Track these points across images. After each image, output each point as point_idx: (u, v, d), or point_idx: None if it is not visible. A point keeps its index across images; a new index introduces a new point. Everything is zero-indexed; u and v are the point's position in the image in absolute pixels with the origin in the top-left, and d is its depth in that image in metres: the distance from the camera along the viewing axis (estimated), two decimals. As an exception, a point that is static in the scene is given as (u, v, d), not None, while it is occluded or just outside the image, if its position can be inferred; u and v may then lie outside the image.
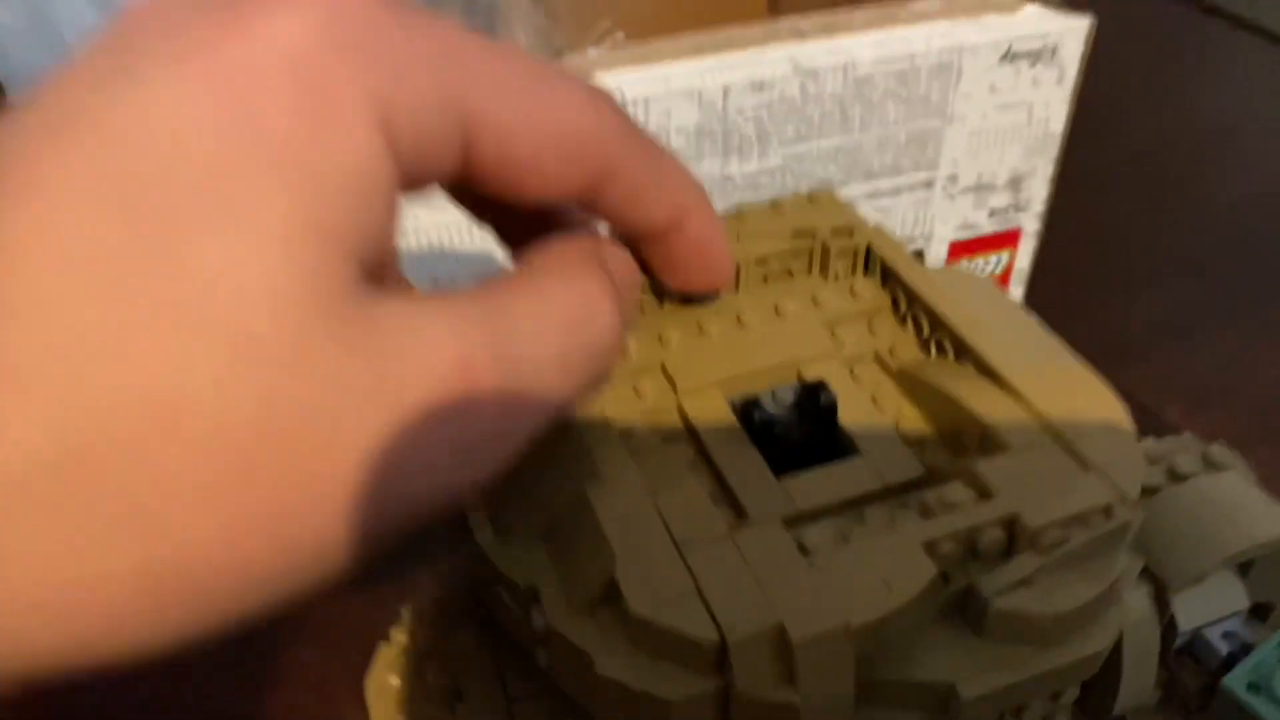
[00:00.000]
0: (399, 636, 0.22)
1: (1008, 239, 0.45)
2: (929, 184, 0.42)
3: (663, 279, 0.20)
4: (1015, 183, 0.43)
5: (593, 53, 0.47)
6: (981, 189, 0.43)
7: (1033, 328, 0.22)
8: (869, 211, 0.41)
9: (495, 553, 0.18)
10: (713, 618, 0.16)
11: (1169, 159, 0.61)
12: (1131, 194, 0.58)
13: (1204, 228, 0.56)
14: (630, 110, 0.36)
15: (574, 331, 0.17)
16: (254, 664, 0.34)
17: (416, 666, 0.21)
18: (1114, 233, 0.55)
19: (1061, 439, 0.19)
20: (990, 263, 0.45)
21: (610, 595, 0.17)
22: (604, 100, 0.17)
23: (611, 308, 0.17)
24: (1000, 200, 0.43)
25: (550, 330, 0.16)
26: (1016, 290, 0.47)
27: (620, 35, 0.55)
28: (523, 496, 0.19)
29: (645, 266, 0.20)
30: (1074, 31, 0.40)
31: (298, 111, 0.13)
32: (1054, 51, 0.40)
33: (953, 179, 0.42)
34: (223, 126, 0.13)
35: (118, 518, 0.12)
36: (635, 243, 0.20)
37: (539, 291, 0.17)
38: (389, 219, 0.15)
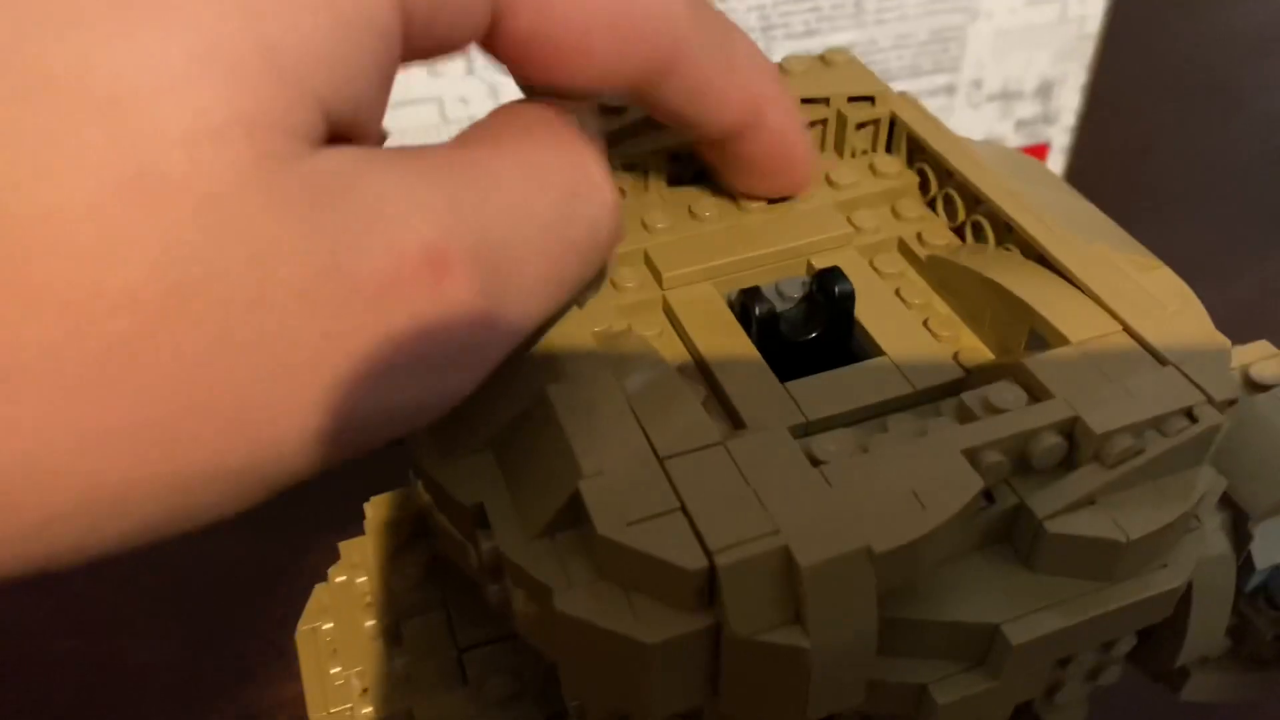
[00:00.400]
0: (336, 576, 0.18)
1: (1035, 154, 0.41)
2: (950, 89, 0.38)
3: (733, 182, 0.18)
4: (1045, 90, 0.39)
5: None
6: (1008, 97, 0.39)
7: (1091, 211, 0.19)
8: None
9: (435, 466, 0.15)
10: (699, 539, 0.13)
11: (1206, 69, 0.57)
12: (1166, 106, 0.54)
13: (1243, 142, 0.52)
14: None
15: (567, 207, 0.13)
16: (201, 617, 0.31)
17: (353, 609, 0.18)
18: (1147, 151, 0.51)
19: (1131, 330, 0.15)
20: (1016, 180, 0.41)
21: (573, 515, 0.13)
22: None
23: (607, 180, 0.14)
24: (1028, 110, 0.39)
25: (540, 205, 0.13)
26: (1044, 212, 0.43)
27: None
28: (471, 398, 0.15)
29: (710, 168, 0.17)
30: (1116, -82, 0.36)
31: None
32: (1093, -60, 0.36)
33: (977, 84, 0.38)
34: None
35: None
36: (703, 144, 0.17)
37: (523, 156, 0.13)
38: (377, 71, 0.12)
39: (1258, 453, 0.17)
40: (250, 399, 0.10)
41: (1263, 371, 0.18)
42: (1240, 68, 0.57)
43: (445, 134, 0.34)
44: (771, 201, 0.19)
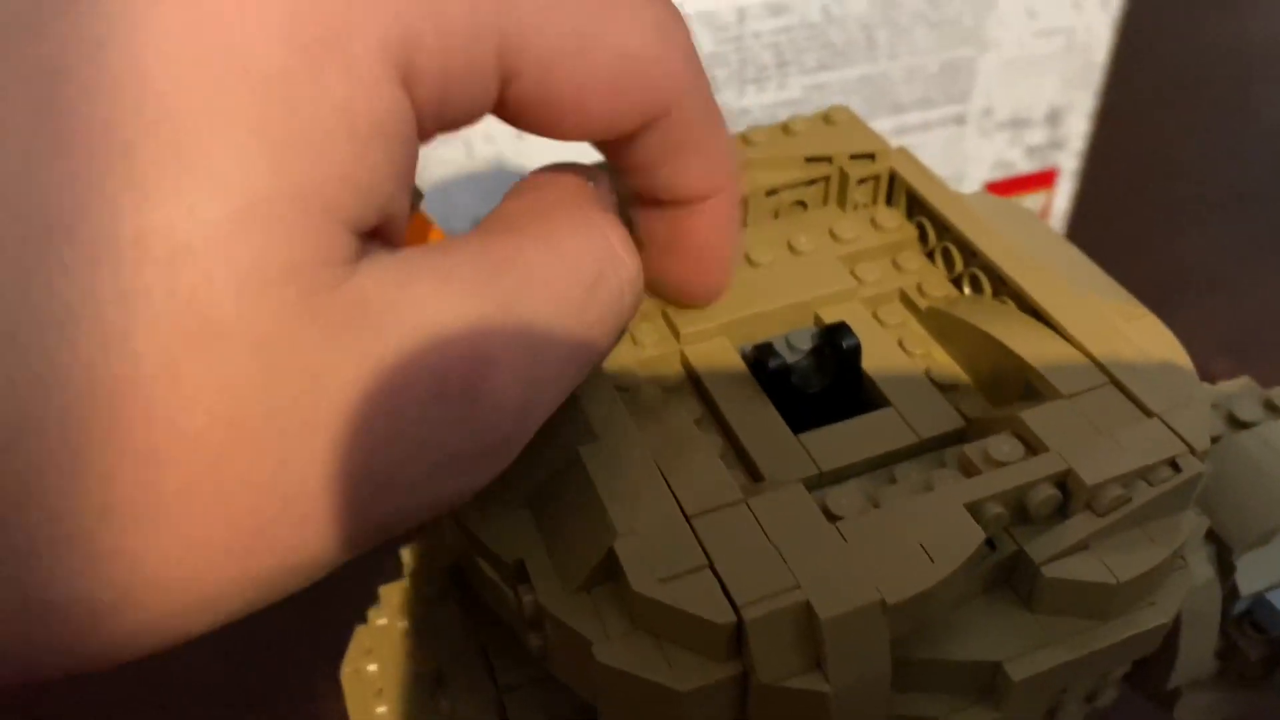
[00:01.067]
0: (377, 619, 0.20)
1: (1045, 179, 0.42)
2: (960, 119, 0.39)
3: (660, 269, 0.17)
4: (1054, 117, 0.40)
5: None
6: (1018, 124, 0.40)
7: (1080, 260, 0.20)
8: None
9: (477, 524, 0.16)
10: (727, 595, 0.14)
11: (1215, 84, 0.57)
12: (1175, 122, 0.55)
13: (1253, 157, 0.53)
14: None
15: (596, 287, 0.14)
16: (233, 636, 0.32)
17: (395, 651, 0.19)
18: (1158, 165, 0.52)
19: (1118, 383, 0.17)
20: (1026, 204, 0.42)
21: (608, 571, 0.15)
22: (676, 25, 0.15)
23: (630, 252, 0.15)
24: (1037, 137, 0.40)
25: (571, 291, 0.14)
26: (1053, 231, 0.44)
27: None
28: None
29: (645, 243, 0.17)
30: (1117, -52, 0.37)
31: (292, 43, 0.11)
32: (1095, -29, 0.37)
33: (987, 113, 0.39)
34: (195, 55, 0.11)
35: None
36: (647, 207, 0.17)
37: (552, 243, 0.14)
38: (398, 176, 0.12)
39: (1240, 489, 0.18)
40: (311, 509, 0.11)
41: (1243, 412, 0.19)
42: (1251, 80, 0.58)
43: (471, 169, 0.35)
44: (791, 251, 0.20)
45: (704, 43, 0.34)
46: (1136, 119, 0.52)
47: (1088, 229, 0.44)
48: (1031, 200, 0.42)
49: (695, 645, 0.14)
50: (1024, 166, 0.41)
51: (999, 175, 0.41)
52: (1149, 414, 0.16)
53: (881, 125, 0.38)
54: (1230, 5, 0.64)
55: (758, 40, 0.34)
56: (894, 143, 0.38)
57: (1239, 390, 0.22)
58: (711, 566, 0.14)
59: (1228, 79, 0.58)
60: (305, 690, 0.31)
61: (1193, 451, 0.16)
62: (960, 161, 0.40)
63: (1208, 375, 0.40)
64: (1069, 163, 0.42)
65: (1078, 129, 0.41)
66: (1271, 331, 0.43)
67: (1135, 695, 0.20)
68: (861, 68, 0.36)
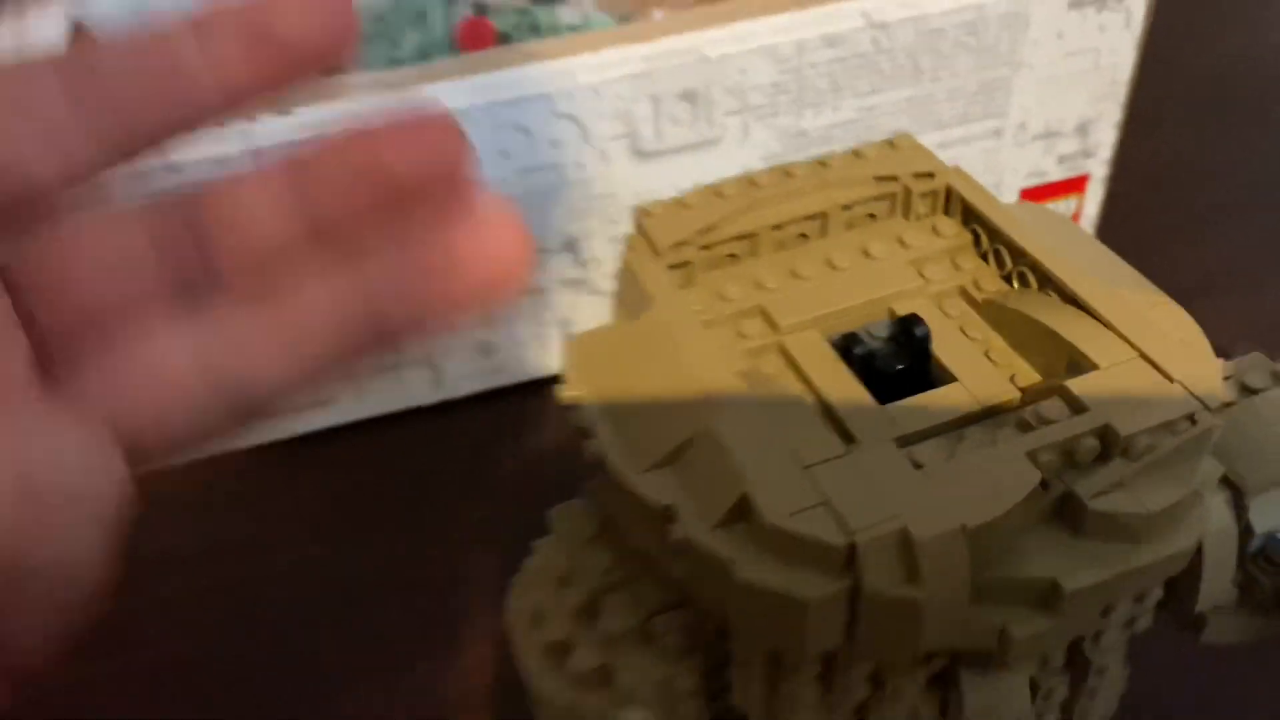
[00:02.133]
0: (533, 563, 0.24)
1: (1076, 185, 0.46)
2: (998, 133, 0.43)
3: None
4: (1083, 129, 0.44)
5: (663, 15, 0.49)
6: (1050, 136, 0.44)
7: (1110, 257, 0.24)
8: (942, 160, 0.43)
9: (631, 479, 0.20)
10: (842, 524, 0.18)
11: (1237, 90, 0.61)
12: (1199, 128, 0.58)
13: (1271, 162, 0.56)
14: (707, 69, 0.37)
15: None
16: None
17: (549, 589, 0.23)
18: (1181, 170, 0.55)
19: (1145, 356, 0.20)
20: (1059, 209, 0.46)
21: (741, 513, 0.19)
22: None
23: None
24: (1068, 147, 0.44)
25: None
26: (1085, 233, 0.48)
27: None
28: (645, 433, 0.21)
29: None
30: (1138, -24, 0.41)
31: None
32: (1118, -4, 0.41)
33: (1022, 127, 0.43)
34: None
35: None
36: None
37: None
38: None
39: (1252, 445, 0.22)
40: None
41: (1254, 381, 0.23)
42: (1269, 88, 0.61)
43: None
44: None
45: (767, 73, 0.38)
46: (1159, 129, 0.56)
47: (1116, 230, 0.47)
48: (1064, 205, 0.46)
49: (817, 564, 0.18)
50: (1056, 174, 0.45)
51: (1033, 182, 0.45)
52: (1170, 380, 0.20)
53: (926, 140, 0.42)
54: (1248, 20, 0.67)
55: (814, 70, 0.38)
56: (938, 154, 0.42)
57: (1251, 364, 0.25)
58: (828, 503, 0.18)
59: (1249, 89, 0.61)
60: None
61: (1206, 409, 0.19)
62: (999, 171, 0.44)
63: (1227, 358, 0.43)
64: (1098, 170, 0.45)
65: (1105, 139, 0.45)
66: (1290, 320, 0.46)
67: (1168, 628, 0.24)
68: (908, 90, 0.40)
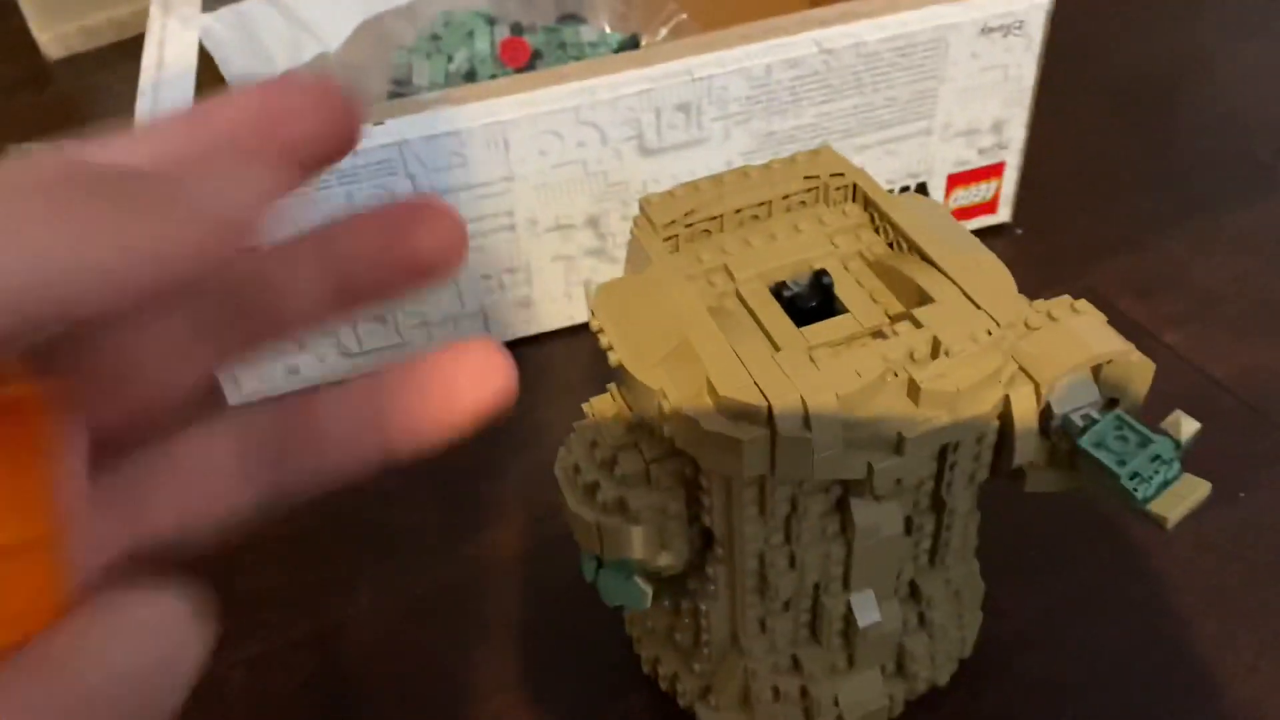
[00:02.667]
0: (573, 436, 0.36)
1: (994, 171, 0.57)
2: (928, 131, 0.54)
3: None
4: (997, 127, 0.55)
5: (665, 32, 0.61)
6: (971, 133, 0.55)
7: (959, 230, 0.35)
8: (881, 155, 0.54)
9: (638, 374, 0.32)
10: (764, 395, 0.29)
11: (1148, 90, 0.72)
12: (1112, 120, 0.69)
13: (1172, 147, 0.67)
14: (696, 86, 0.49)
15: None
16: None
17: (587, 449, 0.35)
18: (1093, 155, 0.66)
19: (966, 294, 0.32)
20: (981, 190, 0.57)
21: (706, 390, 0.30)
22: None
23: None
24: (986, 141, 0.56)
25: None
26: (1005, 210, 0.59)
27: (684, 16, 0.68)
28: (646, 346, 0.32)
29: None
30: (1038, 8, 0.52)
31: None
32: (1022, 24, 0.52)
33: (947, 126, 0.54)
34: None
35: None
36: None
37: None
38: None
39: (1049, 353, 0.34)
40: None
41: (1056, 312, 0.34)
42: (1176, 86, 0.72)
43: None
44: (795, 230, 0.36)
45: (742, 89, 0.49)
46: (1061, 124, 0.67)
47: (1029, 205, 0.59)
48: (986, 186, 0.57)
49: (749, 420, 0.30)
50: (978, 163, 0.56)
51: (959, 169, 0.56)
52: (979, 308, 0.31)
53: (871, 138, 0.53)
54: (1148, 28, 0.78)
55: (779, 85, 0.50)
56: (880, 149, 0.54)
57: (1058, 301, 0.36)
58: (756, 384, 0.30)
59: (1146, 87, 0.72)
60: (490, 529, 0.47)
61: (998, 325, 0.31)
62: (930, 161, 0.55)
63: (1116, 310, 0.55)
64: (1012, 159, 0.57)
65: (1017, 134, 0.56)
66: (1168, 279, 0.57)
67: (998, 484, 0.35)
68: (854, 100, 0.51)
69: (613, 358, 0.33)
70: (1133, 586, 0.44)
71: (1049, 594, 0.44)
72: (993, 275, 0.33)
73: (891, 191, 0.55)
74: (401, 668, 0.43)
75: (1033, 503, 0.38)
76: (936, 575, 0.38)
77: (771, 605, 0.36)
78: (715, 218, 0.36)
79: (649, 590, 0.36)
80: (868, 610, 0.36)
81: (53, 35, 0.88)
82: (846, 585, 0.36)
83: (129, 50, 0.89)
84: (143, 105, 0.50)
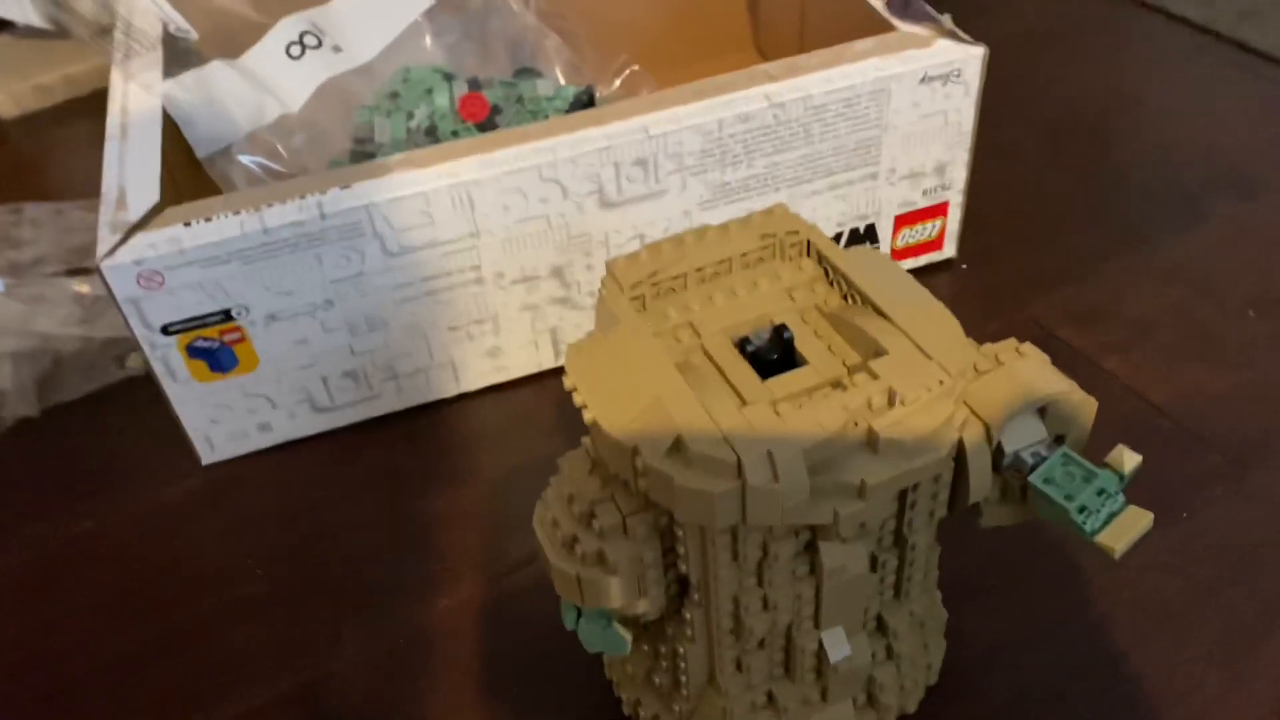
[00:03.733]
0: (550, 490, 0.37)
1: (939, 210, 0.60)
2: (874, 176, 0.56)
3: None
4: (940, 169, 0.58)
5: (619, 83, 0.63)
6: (915, 176, 0.57)
7: (909, 282, 0.37)
8: (830, 199, 0.56)
9: (611, 432, 0.33)
10: (734, 450, 0.31)
11: (1081, 127, 0.75)
12: (1048, 158, 0.72)
13: (1105, 181, 0.70)
14: (652, 142, 0.51)
15: None
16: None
17: (565, 504, 0.36)
18: (1031, 193, 0.69)
19: (917, 345, 0.34)
20: (927, 229, 0.60)
21: (677, 447, 0.32)
22: None
23: None
24: (930, 183, 0.58)
25: None
26: (950, 246, 0.62)
27: (636, 67, 0.70)
28: (615, 402, 0.34)
29: None
30: (974, 57, 0.55)
31: None
32: (959, 73, 0.55)
33: (892, 170, 0.57)
34: None
35: None
36: None
37: None
38: None
39: (993, 394, 0.36)
40: None
41: (1003, 356, 0.36)
42: (1107, 124, 0.75)
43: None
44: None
45: (696, 143, 0.51)
46: (1001, 163, 0.70)
47: (972, 241, 0.61)
48: (932, 225, 0.60)
49: (720, 474, 0.31)
50: (923, 203, 0.59)
51: (905, 210, 0.59)
52: (930, 359, 0.33)
53: (820, 184, 0.55)
54: (1093, 66, 0.82)
55: (732, 138, 0.52)
56: (830, 195, 0.56)
57: (1005, 345, 0.38)
58: (726, 439, 0.32)
59: (1084, 126, 0.75)
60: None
61: (949, 375, 0.33)
62: (878, 203, 0.58)
63: (1057, 338, 0.57)
64: (955, 198, 0.59)
65: (959, 175, 0.58)
66: (1105, 308, 0.60)
67: (958, 521, 0.37)
68: (802, 150, 0.54)
69: (587, 416, 0.34)
70: (1087, 607, 0.46)
71: (1008, 617, 0.46)
72: (941, 325, 0.35)
73: (841, 234, 0.57)
74: (388, 717, 0.44)
75: (989, 530, 0.40)
76: (901, 608, 0.40)
77: (747, 645, 0.37)
78: (678, 276, 0.38)
79: (629, 636, 0.38)
80: (838, 646, 0.38)
81: (6, 94, 0.88)
82: (817, 623, 0.37)
83: (83, 108, 0.90)
84: (109, 174, 0.51)
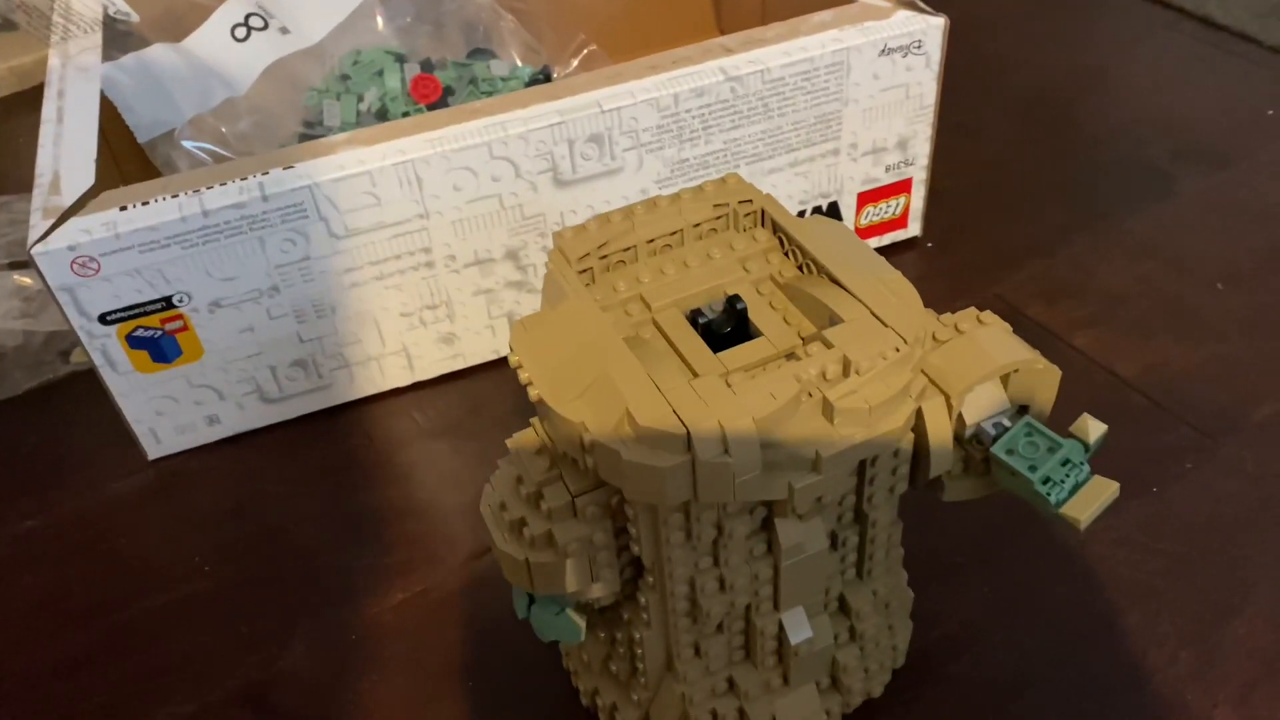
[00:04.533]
0: (497, 473, 0.36)
1: (903, 186, 0.58)
2: (836, 152, 0.55)
3: None
4: (903, 144, 0.57)
5: (576, 64, 0.61)
6: (877, 151, 0.56)
7: (864, 250, 0.36)
8: (791, 176, 0.55)
9: (558, 409, 0.32)
10: (683, 423, 0.30)
11: (1048, 102, 0.74)
12: (1014, 133, 0.71)
13: (1073, 157, 0.69)
14: (607, 118, 0.49)
15: None
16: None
17: (512, 486, 0.35)
18: (999, 170, 0.68)
19: (873, 313, 0.33)
20: (891, 206, 0.59)
21: (625, 421, 0.31)
22: None
23: None
24: (893, 159, 0.57)
25: None
26: (915, 224, 0.60)
27: (594, 47, 0.69)
28: (562, 378, 0.33)
29: None
30: (934, 28, 0.53)
31: None
32: (920, 44, 0.53)
33: (854, 146, 0.55)
34: None
35: None
36: None
37: None
38: None
39: (958, 362, 0.34)
40: None
41: (963, 325, 0.35)
42: (1074, 99, 0.75)
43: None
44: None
45: (652, 118, 0.50)
46: (966, 139, 0.69)
47: (938, 218, 0.60)
48: (896, 202, 0.59)
49: (670, 448, 0.30)
50: (886, 180, 0.57)
51: (868, 187, 0.57)
52: (886, 326, 0.32)
53: (781, 161, 0.54)
54: (1060, 41, 0.81)
55: (689, 114, 0.51)
56: (791, 172, 0.55)
57: (965, 314, 0.37)
58: (675, 412, 0.30)
59: (1052, 102, 0.74)
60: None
61: (905, 342, 0.32)
62: (840, 180, 0.56)
63: (1025, 316, 0.56)
64: (919, 175, 0.58)
65: (922, 150, 0.57)
66: (1074, 284, 0.59)
67: (919, 493, 0.36)
68: (761, 125, 0.52)
69: (532, 392, 0.33)
70: (1057, 585, 0.45)
71: (977, 597, 0.45)
72: (898, 293, 0.34)
73: (803, 212, 0.56)
74: (341, 714, 0.43)
75: (955, 507, 0.39)
76: (864, 588, 0.38)
77: (704, 629, 0.36)
78: (629, 249, 0.36)
79: (583, 623, 0.36)
80: (799, 627, 0.36)
81: (-49, 88, 0.86)
82: (777, 605, 0.36)
83: (31, 99, 0.87)
84: (43, 159, 0.49)
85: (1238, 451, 0.49)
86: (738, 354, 0.33)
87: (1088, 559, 0.46)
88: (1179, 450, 0.49)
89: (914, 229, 0.61)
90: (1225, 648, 0.42)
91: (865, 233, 0.60)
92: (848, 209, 0.58)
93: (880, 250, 0.61)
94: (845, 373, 0.32)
